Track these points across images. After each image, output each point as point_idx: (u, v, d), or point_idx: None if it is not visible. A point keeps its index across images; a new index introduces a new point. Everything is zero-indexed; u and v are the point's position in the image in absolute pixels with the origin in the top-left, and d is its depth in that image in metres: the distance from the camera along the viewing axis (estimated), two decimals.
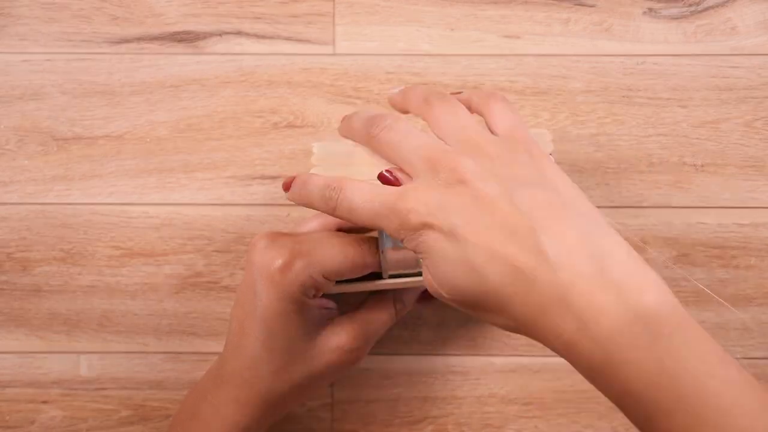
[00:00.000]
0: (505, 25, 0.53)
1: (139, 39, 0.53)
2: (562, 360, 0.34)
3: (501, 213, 0.33)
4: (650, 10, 0.52)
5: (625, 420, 0.51)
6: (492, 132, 0.38)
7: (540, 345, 0.34)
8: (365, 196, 0.37)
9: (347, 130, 0.41)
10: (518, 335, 0.50)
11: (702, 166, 0.52)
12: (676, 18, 0.52)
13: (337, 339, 0.44)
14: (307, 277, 0.41)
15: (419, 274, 0.43)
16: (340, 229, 0.47)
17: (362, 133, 0.39)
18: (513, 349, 0.51)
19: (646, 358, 0.32)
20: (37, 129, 0.52)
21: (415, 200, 0.35)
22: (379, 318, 0.45)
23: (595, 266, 0.33)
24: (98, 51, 0.53)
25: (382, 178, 0.38)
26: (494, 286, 0.33)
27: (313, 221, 0.47)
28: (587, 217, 0.34)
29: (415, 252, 0.36)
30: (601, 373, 0.33)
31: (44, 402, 0.52)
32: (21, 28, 0.53)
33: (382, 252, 0.42)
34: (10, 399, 0.51)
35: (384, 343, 0.52)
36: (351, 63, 0.53)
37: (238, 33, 0.53)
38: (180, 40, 0.53)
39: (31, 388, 0.52)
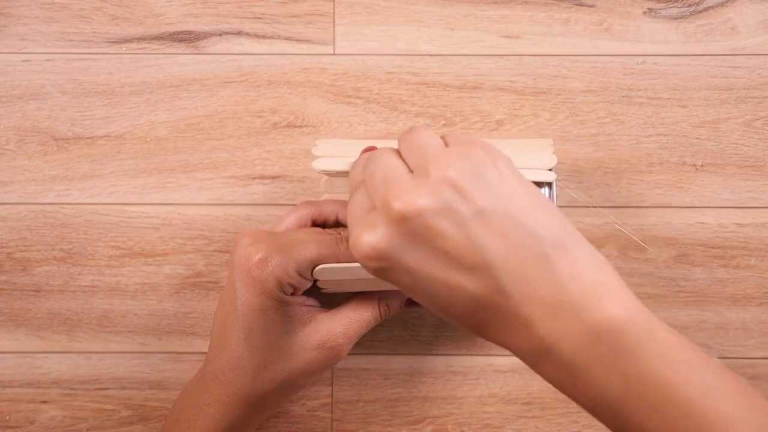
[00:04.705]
0: (505, 25, 0.53)
1: (139, 39, 0.53)
2: None
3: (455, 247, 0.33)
4: (650, 10, 0.52)
5: None
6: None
7: None
8: None
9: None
10: None
11: (702, 166, 0.52)
12: (676, 18, 0.52)
13: (318, 336, 0.44)
14: (282, 273, 0.42)
15: None
16: (314, 224, 0.47)
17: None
18: None
19: (611, 375, 0.32)
20: (37, 129, 0.52)
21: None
22: (363, 317, 0.45)
23: (553, 289, 0.33)
24: (98, 51, 0.53)
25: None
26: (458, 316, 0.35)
27: (289, 217, 0.47)
28: (546, 232, 0.34)
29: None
30: (568, 389, 0.34)
31: (44, 402, 0.52)
32: (21, 28, 0.53)
33: None
34: (10, 399, 0.51)
35: (384, 343, 0.52)
36: (351, 63, 0.53)
37: (238, 33, 0.53)
38: (180, 40, 0.53)
39: (31, 388, 0.51)
